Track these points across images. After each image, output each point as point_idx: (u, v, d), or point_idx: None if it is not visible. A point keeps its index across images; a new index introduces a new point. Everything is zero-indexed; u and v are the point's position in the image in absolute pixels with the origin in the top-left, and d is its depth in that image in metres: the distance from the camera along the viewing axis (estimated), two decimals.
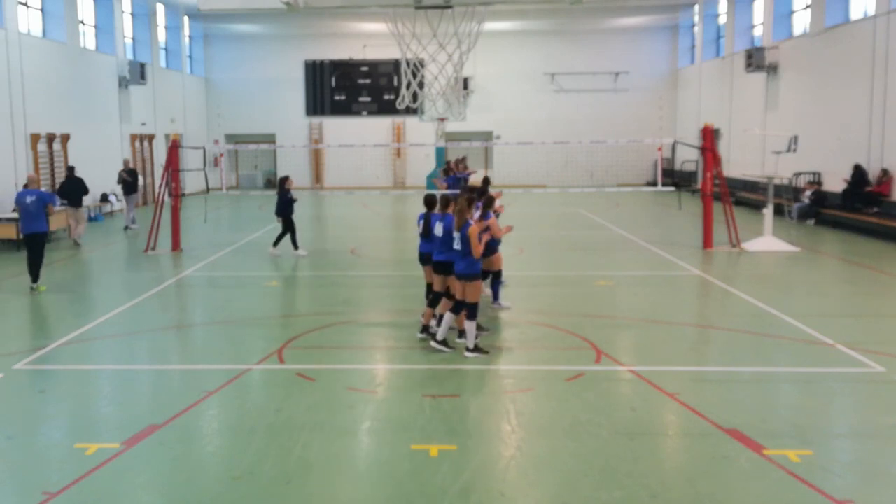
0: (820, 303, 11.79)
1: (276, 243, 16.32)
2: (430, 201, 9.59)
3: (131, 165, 21.66)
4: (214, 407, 7.37)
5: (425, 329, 9.58)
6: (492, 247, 10.36)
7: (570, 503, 5.39)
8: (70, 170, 18.88)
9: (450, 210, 9.13)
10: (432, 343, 9.03)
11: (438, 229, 9.16)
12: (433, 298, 9.50)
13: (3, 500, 5.56)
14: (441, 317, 9.28)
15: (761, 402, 7.40)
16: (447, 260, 9.06)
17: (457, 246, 8.80)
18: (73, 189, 18.22)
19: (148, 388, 8.15)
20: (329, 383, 7.98)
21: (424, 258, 9.78)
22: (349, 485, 5.78)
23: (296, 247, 16.21)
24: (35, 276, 12.92)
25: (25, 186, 13.40)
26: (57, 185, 19.81)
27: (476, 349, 8.83)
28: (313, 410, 7.19)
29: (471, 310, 8.79)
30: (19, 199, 12.97)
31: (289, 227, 16.05)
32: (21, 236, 12.56)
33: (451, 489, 5.58)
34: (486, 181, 13.00)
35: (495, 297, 11.30)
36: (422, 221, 9.66)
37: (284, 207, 15.91)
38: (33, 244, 12.87)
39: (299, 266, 15.62)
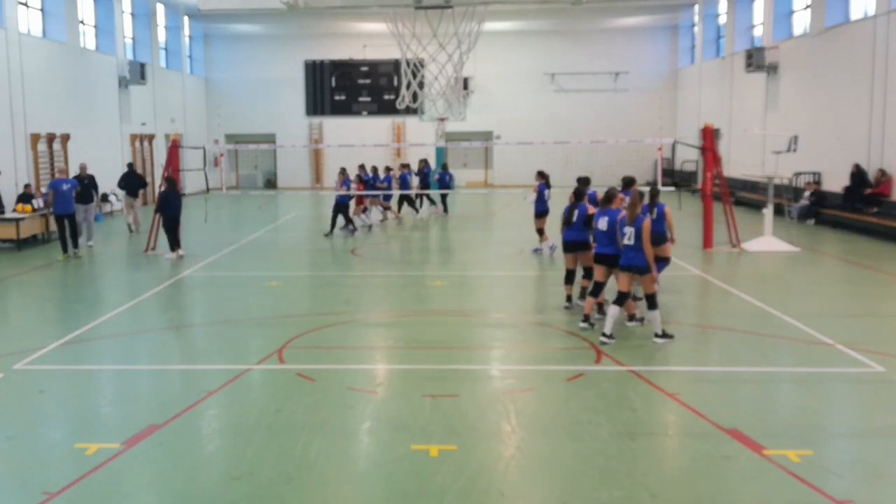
0: (820, 303, 11.79)
1: (173, 245, 16.15)
2: (579, 193, 10.85)
3: (89, 171, 18.74)
4: (214, 407, 7.36)
5: (586, 318, 9.96)
6: (665, 236, 11.20)
7: (570, 503, 5.40)
8: (130, 165, 21.67)
9: (613, 205, 9.77)
10: (602, 338, 9.21)
11: (602, 224, 9.72)
12: (594, 288, 10.07)
13: (3, 500, 5.56)
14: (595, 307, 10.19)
15: (761, 402, 7.40)
16: (613, 253, 9.60)
17: (629, 241, 9.15)
18: (131, 181, 20.91)
19: (148, 388, 8.15)
20: (329, 383, 7.98)
21: (568, 245, 10.96)
22: (349, 485, 5.78)
23: (172, 248, 16.12)
24: (74, 244, 16.28)
25: (59, 175, 17.11)
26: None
27: (664, 335, 9.27)
28: (313, 410, 7.18)
29: (651, 300, 9.20)
30: (56, 186, 15.96)
31: (170, 225, 16.10)
32: (54, 216, 16.23)
33: (451, 489, 5.58)
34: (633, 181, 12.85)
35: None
36: (567, 212, 10.81)
37: (170, 205, 16.11)
38: (66, 222, 16.05)
39: (299, 266, 15.61)
